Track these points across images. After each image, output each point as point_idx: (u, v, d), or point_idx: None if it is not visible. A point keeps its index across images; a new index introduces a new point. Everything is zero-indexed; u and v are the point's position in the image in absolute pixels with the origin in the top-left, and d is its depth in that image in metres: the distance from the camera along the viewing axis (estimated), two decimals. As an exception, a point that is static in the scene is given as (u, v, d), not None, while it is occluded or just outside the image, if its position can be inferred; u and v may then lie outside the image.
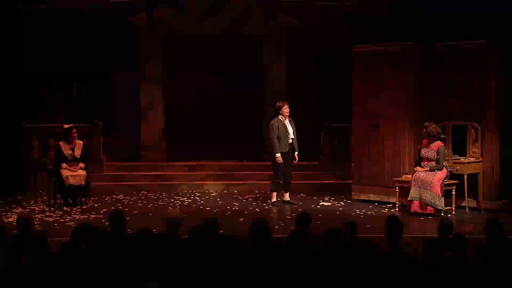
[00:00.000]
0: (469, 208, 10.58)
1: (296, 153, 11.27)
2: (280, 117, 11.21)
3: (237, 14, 14.07)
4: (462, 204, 10.57)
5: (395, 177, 10.95)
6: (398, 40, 11.33)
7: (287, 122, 11.21)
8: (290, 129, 11.21)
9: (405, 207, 10.59)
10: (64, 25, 13.80)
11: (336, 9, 14.08)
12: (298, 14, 14.04)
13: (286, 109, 11.21)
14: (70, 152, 11.24)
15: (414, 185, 10.35)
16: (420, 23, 12.95)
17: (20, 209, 10.72)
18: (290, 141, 11.20)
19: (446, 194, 10.35)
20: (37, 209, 10.88)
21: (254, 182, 13.03)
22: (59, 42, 13.92)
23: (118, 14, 13.82)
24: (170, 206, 11.23)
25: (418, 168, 10.48)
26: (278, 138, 11.09)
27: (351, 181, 11.84)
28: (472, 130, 10.70)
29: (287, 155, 11.14)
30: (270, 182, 11.46)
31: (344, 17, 13.96)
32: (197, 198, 12.03)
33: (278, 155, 11.05)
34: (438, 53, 11.08)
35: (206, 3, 14.04)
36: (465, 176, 10.48)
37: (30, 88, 13.78)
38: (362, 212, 10.70)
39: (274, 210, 11.05)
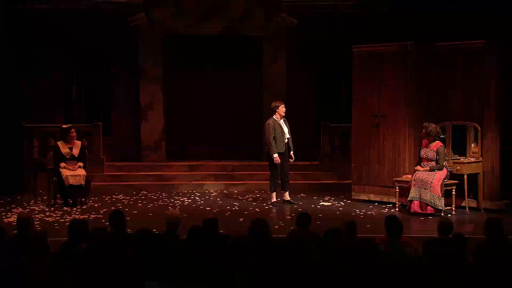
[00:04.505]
0: (469, 208, 10.58)
1: (292, 152, 11.27)
2: (275, 117, 11.18)
3: (237, 14, 14.05)
4: (462, 204, 10.57)
5: (395, 177, 10.94)
6: (398, 40, 11.32)
7: (282, 122, 11.19)
8: (286, 129, 11.20)
9: (405, 207, 10.59)
10: (64, 25, 13.79)
11: (336, 9, 14.09)
12: (298, 14, 14.04)
13: (283, 109, 11.19)
14: (68, 150, 11.23)
15: (414, 185, 10.35)
16: (420, 23, 12.96)
17: (20, 209, 10.71)
18: (286, 141, 11.19)
19: (446, 194, 10.35)
20: (37, 209, 10.87)
21: (254, 182, 13.03)
22: (59, 42, 13.92)
23: (118, 14, 13.82)
24: (170, 206, 11.22)
25: (418, 168, 10.48)
26: (274, 139, 11.07)
27: (351, 181, 11.83)
28: (472, 130, 10.70)
29: (283, 155, 11.15)
30: (269, 182, 11.46)
31: (344, 17, 13.97)
32: (197, 198, 12.02)
33: (276, 155, 11.05)
34: (438, 53, 11.08)
35: (206, 3, 14.03)
36: (465, 176, 10.49)
37: (30, 88, 13.78)
38: (362, 212, 10.69)
39: (274, 210, 11.05)
